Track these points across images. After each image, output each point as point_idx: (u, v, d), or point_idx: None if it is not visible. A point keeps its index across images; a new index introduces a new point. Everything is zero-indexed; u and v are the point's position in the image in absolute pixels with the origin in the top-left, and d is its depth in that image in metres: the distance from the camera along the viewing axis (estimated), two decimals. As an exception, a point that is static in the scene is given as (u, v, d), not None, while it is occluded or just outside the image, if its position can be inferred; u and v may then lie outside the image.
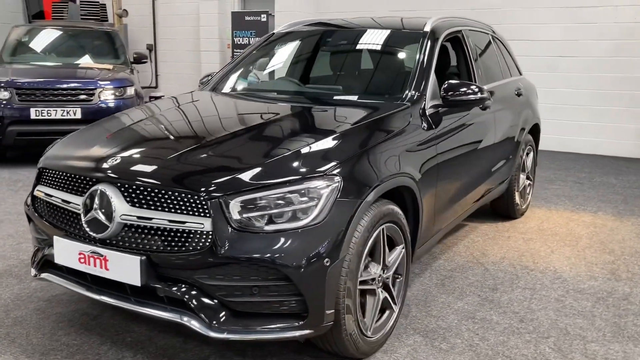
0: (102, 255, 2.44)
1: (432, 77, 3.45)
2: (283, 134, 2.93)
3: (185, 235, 2.33)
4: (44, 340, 2.88)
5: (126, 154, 2.62)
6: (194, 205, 2.32)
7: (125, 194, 2.44)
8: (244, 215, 2.31)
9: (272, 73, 4.13)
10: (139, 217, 2.40)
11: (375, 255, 2.72)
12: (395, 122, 3.06)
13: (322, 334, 2.52)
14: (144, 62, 8.99)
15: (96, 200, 2.46)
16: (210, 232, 2.28)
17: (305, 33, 4.21)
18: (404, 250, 2.95)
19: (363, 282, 2.65)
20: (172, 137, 2.84)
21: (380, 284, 2.78)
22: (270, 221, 2.32)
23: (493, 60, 4.75)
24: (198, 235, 2.31)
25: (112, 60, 8.62)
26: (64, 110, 6.88)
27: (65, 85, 7.04)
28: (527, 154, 5.19)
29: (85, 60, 8.50)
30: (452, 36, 4.08)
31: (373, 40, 3.93)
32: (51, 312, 3.18)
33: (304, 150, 2.59)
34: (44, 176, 2.80)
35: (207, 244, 2.28)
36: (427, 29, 3.78)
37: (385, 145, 2.82)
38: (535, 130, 5.34)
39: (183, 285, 2.37)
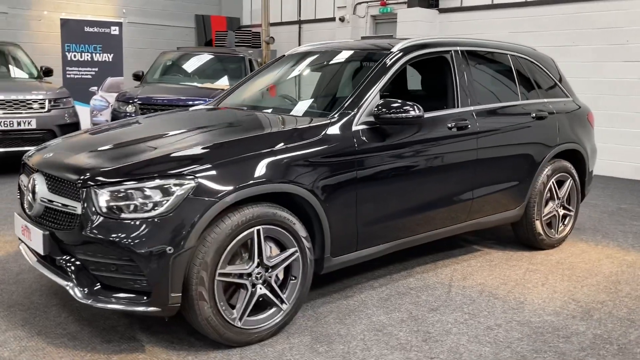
0: (29, 229, 3.11)
1: (373, 95, 3.58)
2: (181, 138, 3.32)
3: (68, 216, 2.89)
4: (21, 298, 3.64)
5: (60, 150, 3.27)
6: (74, 192, 2.87)
7: (47, 181, 3.08)
8: (110, 204, 2.78)
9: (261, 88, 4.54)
10: (49, 200, 3.02)
11: (250, 253, 3.00)
12: (299, 135, 3.29)
13: (188, 315, 2.89)
14: (265, 84, 9.90)
15: (30, 185, 3.14)
16: (80, 215, 2.80)
17: (302, 54, 4.56)
18: (298, 254, 3.16)
19: (234, 276, 2.94)
20: (107, 140, 3.42)
21: (260, 281, 3.04)
22: (129, 210, 2.77)
23: (504, 81, 4.59)
24: (74, 217, 2.85)
25: (236, 81, 9.65)
26: (173, 124, 7.97)
27: (177, 102, 8.16)
28: (562, 181, 4.85)
29: (221, 82, 9.63)
30: (435, 56, 4.12)
31: (347, 61, 4.15)
32: (48, 279, 3.96)
33: (176, 152, 2.98)
34: (24, 168, 3.58)
35: (78, 224, 2.81)
36: (394, 49, 3.90)
37: (272, 154, 3.07)
38: (575, 157, 4.96)
39: (70, 258, 2.91)
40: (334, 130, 3.39)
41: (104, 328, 3.23)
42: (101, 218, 2.77)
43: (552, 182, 4.75)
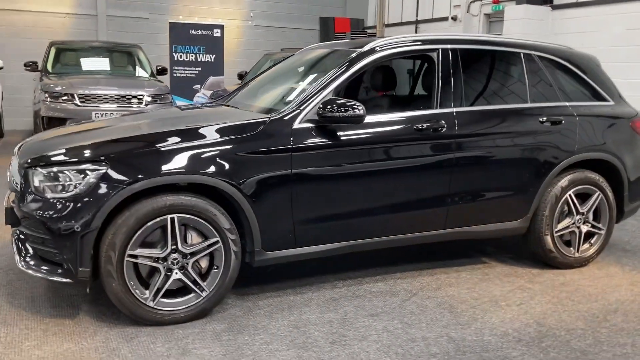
0: (6, 204, 3.62)
1: (325, 94, 3.55)
2: (125, 129, 3.60)
3: (18, 193, 3.32)
4: (24, 263, 4.20)
5: (31, 139, 3.74)
6: (21, 172, 3.29)
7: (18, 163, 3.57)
8: (42, 184, 3.15)
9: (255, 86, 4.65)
10: (13, 179, 3.49)
11: (166, 240, 3.19)
12: (234, 130, 3.40)
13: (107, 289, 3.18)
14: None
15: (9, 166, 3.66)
16: (20, 192, 3.22)
17: (304, 53, 4.64)
18: (219, 245, 3.29)
19: (147, 258, 3.16)
20: (71, 130, 3.82)
21: (176, 266, 3.22)
22: (53, 190, 3.11)
23: (510, 82, 4.23)
24: (19, 194, 3.27)
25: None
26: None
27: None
28: (587, 195, 4.35)
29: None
30: (417, 55, 3.97)
31: (325, 60, 4.14)
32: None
33: (103, 140, 3.29)
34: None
35: (19, 200, 3.23)
36: (362, 49, 3.82)
37: (195, 147, 3.23)
38: (607, 168, 4.41)
39: (19, 230, 3.34)
40: (272, 126, 3.44)
41: (62, 296, 3.64)
42: (32, 196, 3.16)
43: (570, 195, 4.28)
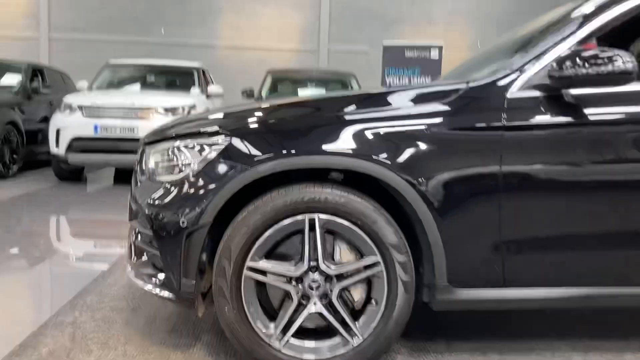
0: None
1: (563, 46, 2.25)
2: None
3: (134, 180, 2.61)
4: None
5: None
6: (139, 153, 2.57)
7: None
8: (156, 164, 2.38)
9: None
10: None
11: (302, 251, 2.16)
12: (406, 101, 2.29)
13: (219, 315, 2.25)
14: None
15: None
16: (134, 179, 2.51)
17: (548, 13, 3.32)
18: (381, 268, 2.16)
19: (274, 276, 2.17)
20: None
21: (317, 292, 2.17)
22: (166, 171, 2.31)
23: None
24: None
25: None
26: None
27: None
28: None
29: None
30: None
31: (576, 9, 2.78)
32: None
33: (227, 111, 2.44)
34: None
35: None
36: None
37: (356, 122, 2.18)
38: None
39: (133, 226, 2.59)
40: (472, 95, 2.24)
41: (186, 318, 2.82)
42: (143, 179, 2.43)
43: None
